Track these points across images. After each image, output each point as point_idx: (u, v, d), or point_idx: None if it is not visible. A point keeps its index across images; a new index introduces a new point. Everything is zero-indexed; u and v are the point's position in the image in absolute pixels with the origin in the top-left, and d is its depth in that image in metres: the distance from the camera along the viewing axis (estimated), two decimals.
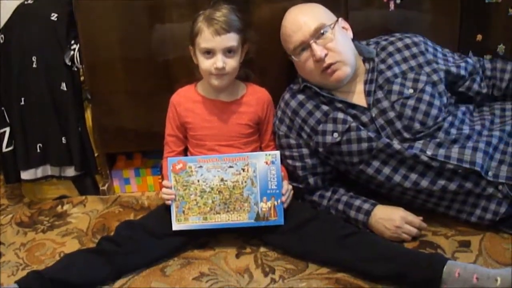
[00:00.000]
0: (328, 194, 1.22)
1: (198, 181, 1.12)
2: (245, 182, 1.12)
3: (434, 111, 1.09)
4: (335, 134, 1.13)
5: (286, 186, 1.14)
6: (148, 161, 1.57)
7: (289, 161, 1.23)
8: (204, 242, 1.18)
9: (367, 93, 1.13)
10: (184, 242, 1.15)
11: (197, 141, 1.23)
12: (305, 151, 1.21)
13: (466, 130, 1.09)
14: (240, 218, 1.12)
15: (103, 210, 1.36)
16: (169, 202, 1.12)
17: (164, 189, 1.14)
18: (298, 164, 1.22)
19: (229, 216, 1.13)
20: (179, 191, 1.13)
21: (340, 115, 1.13)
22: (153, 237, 1.11)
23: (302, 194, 1.24)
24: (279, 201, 1.12)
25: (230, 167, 1.12)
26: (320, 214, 1.13)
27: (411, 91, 1.10)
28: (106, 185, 1.46)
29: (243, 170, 1.12)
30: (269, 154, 1.12)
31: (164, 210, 1.16)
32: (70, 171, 1.38)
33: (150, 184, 1.52)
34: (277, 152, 1.12)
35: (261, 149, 1.29)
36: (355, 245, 1.02)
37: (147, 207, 1.37)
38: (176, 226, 1.13)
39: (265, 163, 1.12)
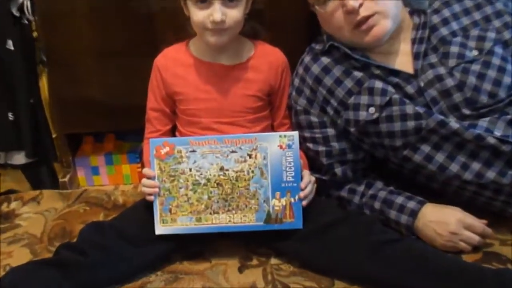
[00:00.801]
0: (361, 188, 1.24)
1: (190, 170, 1.13)
2: (253, 172, 1.13)
3: (506, 79, 1.07)
4: (371, 109, 1.15)
5: (307, 178, 1.14)
6: (123, 144, 1.61)
7: (310, 145, 1.26)
8: (197, 251, 1.19)
9: (415, 56, 1.13)
10: (170, 250, 1.16)
11: (189, 117, 1.25)
12: (331, 131, 1.23)
13: None
14: (245, 219, 1.14)
15: (63, 209, 1.37)
16: (151, 197, 1.13)
17: (144, 181, 1.14)
18: (322, 148, 1.24)
19: (230, 217, 1.14)
20: (165, 183, 1.13)
21: (378, 84, 1.14)
22: (130, 244, 1.11)
23: (327, 188, 1.26)
24: (296, 197, 1.12)
25: (233, 152, 1.12)
26: (350, 215, 1.14)
27: (475, 53, 1.09)
28: (68, 176, 1.47)
29: (250, 156, 1.12)
30: (285, 135, 1.12)
31: (144, 209, 1.17)
32: (19, 158, 1.38)
33: (126, 175, 1.55)
34: (295, 133, 1.12)
35: (273, 128, 1.31)
36: (396, 257, 1.02)
37: (121, 205, 1.39)
38: (160, 230, 1.13)
39: (278, 147, 1.12)
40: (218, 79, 1.22)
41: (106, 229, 1.12)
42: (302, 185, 1.12)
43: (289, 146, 1.12)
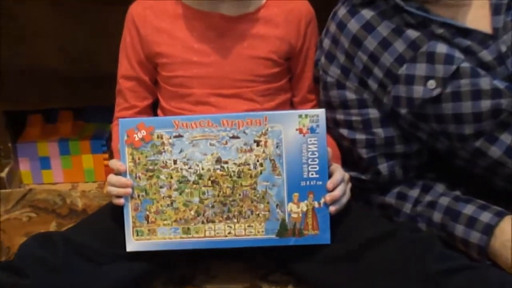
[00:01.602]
0: (414, 193, 1.25)
1: (175, 162, 1.14)
2: (261, 165, 1.14)
3: None
4: (431, 83, 1.16)
5: (338, 175, 1.15)
6: (84, 126, 1.63)
7: (344, 131, 1.28)
8: (185, 275, 1.21)
9: (495, 9, 1.14)
10: (148, 273, 1.18)
11: (177, 88, 1.28)
12: (373, 113, 1.25)
13: None
14: (251, 231, 1.15)
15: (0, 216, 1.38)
16: (121, 201, 1.15)
17: (112, 178, 1.16)
18: (360, 136, 1.26)
19: (230, 228, 1.16)
20: (140, 180, 1.15)
21: (441, 48, 1.14)
22: (91, 263, 1.13)
23: (366, 191, 1.28)
24: (322, 201, 1.14)
25: (234, 137, 1.14)
26: (398, 230, 1.13)
27: None
28: (6, 169, 1.51)
29: (258, 143, 1.14)
30: (306, 115, 1.13)
31: (111, 216, 1.19)
32: None
33: (87, 169, 1.58)
34: (321, 111, 1.13)
35: (293, 106, 1.34)
36: None
37: (81, 211, 1.42)
38: (133, 245, 1.15)
39: (297, 131, 1.13)
40: (217, 36, 1.24)
41: (58, 243, 1.13)
42: (330, 184, 1.13)
43: (312, 130, 1.13)
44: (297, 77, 1.33)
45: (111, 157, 1.31)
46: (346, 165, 1.25)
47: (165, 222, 1.15)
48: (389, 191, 1.28)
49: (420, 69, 1.16)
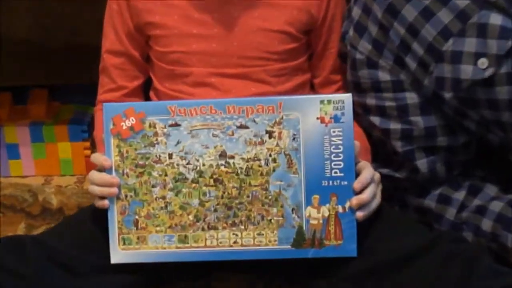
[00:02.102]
0: (460, 195, 1.26)
1: (171, 156, 1.16)
2: (274, 161, 1.15)
3: None
4: (482, 61, 1.16)
5: (366, 174, 1.16)
6: (61, 108, 1.66)
7: (376, 120, 1.29)
8: None
9: None
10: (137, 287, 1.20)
11: (172, 66, 1.29)
12: (411, 98, 1.26)
13: None
14: (262, 240, 1.16)
15: None
16: (105, 202, 1.16)
17: (94, 174, 1.17)
18: (395, 126, 1.27)
19: (236, 236, 1.17)
20: (128, 178, 1.16)
21: (495, 20, 1.15)
22: (68, 273, 1.15)
23: (401, 193, 1.29)
24: (347, 205, 1.15)
25: (242, 127, 1.15)
26: (440, 240, 1.15)
27: None
28: None
29: (271, 134, 1.15)
30: (329, 100, 1.14)
31: (93, 219, 1.21)
32: None
33: (64, 160, 1.62)
34: (347, 96, 1.15)
35: (313, 88, 1.35)
36: None
37: (56, 210, 1.44)
38: (118, 255, 1.17)
39: (319, 120, 1.15)
40: (221, 3, 1.24)
41: (29, 248, 1.14)
42: (357, 184, 1.14)
43: (336, 119, 1.14)
44: (319, 54, 1.33)
45: (93, 146, 1.34)
46: (377, 161, 1.26)
47: (157, 228, 1.16)
48: (429, 192, 1.28)
49: (469, 44, 1.17)
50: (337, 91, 1.35)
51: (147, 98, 1.37)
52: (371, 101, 1.29)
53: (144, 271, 1.18)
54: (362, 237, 1.16)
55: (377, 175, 1.19)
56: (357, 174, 1.15)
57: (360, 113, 1.27)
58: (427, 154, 1.28)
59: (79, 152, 1.61)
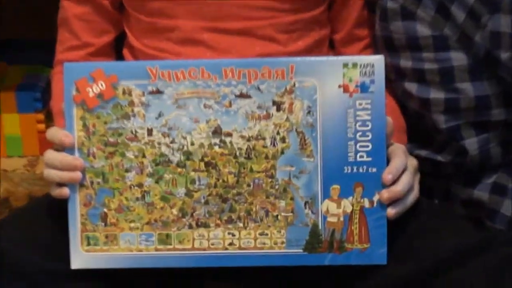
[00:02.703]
0: None
1: (150, 132, 1.13)
2: (284, 140, 1.12)
3: None
4: None
5: (400, 160, 1.13)
6: (8, 70, 1.61)
7: (413, 87, 1.28)
8: None
9: None
10: None
11: (153, 18, 1.27)
12: (458, 58, 1.24)
13: None
14: (266, 242, 1.14)
15: None
16: (65, 191, 1.13)
17: (51, 155, 1.14)
18: (437, 95, 1.26)
19: (233, 236, 1.14)
20: (95, 160, 1.14)
21: None
22: (18, 281, 1.13)
23: (444, 181, 1.27)
24: (376, 198, 1.12)
25: (242, 96, 1.12)
26: (494, 241, 1.13)
27: None
28: None
29: (279, 106, 1.12)
30: (355, 63, 1.11)
31: (49, 212, 1.19)
32: None
33: (11, 137, 1.53)
34: (378, 58, 1.12)
35: (333, 48, 1.35)
36: None
37: (1, 200, 1.39)
38: (80, 259, 1.15)
39: (341, 90, 1.11)
40: None
41: None
42: (389, 173, 1.11)
43: (363, 88, 1.11)
44: (340, 3, 1.31)
45: (48, 119, 1.29)
46: (413, 141, 1.24)
47: (132, 224, 1.14)
48: (480, 181, 1.26)
49: None
50: (363, 50, 1.34)
51: (120, 59, 1.35)
52: (406, 62, 1.27)
53: (113, 278, 1.16)
54: (394, 240, 1.14)
55: (414, 161, 1.17)
56: (389, 160, 1.13)
57: (392, 79, 1.23)
58: (478, 131, 1.27)
59: (31, 127, 1.57)
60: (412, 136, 1.28)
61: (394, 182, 1.12)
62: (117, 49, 1.38)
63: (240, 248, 1.14)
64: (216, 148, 1.13)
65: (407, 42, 1.26)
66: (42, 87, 1.59)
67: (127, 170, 1.14)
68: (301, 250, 1.13)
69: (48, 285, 1.15)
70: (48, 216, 1.19)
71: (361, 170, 1.12)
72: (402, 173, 1.13)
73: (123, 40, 1.35)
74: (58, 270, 1.15)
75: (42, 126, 1.56)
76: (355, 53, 1.35)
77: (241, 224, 1.14)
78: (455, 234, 1.16)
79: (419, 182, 1.18)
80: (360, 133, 1.12)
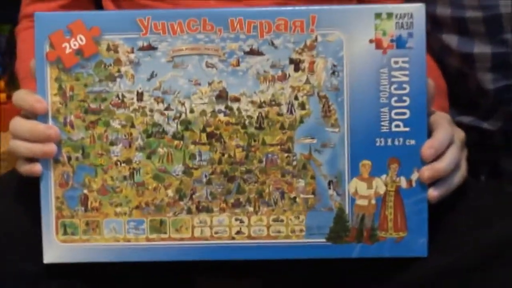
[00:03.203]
0: None
1: (141, 97, 1.11)
2: (303, 107, 1.11)
3: None
4: None
5: (445, 131, 1.12)
6: None
7: (452, 39, 1.31)
8: None
9: None
10: None
11: None
12: (506, 3, 1.25)
13: None
14: (281, 230, 1.13)
15: None
16: (36, 168, 1.11)
17: (20, 123, 1.13)
18: (482, 49, 1.28)
19: (242, 223, 1.13)
20: (73, 130, 1.12)
21: None
22: None
23: (492, 154, 1.30)
24: (414, 177, 1.10)
25: (252, 52, 1.10)
26: None
27: None
28: None
29: (298, 65, 1.10)
30: (390, 14, 1.10)
31: (15, 193, 1.19)
32: None
33: None
34: (418, 7, 1.10)
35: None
36: None
37: None
38: (55, 251, 1.13)
39: (373, 45, 1.09)
40: None
41: None
42: (430, 148, 1.09)
43: (400, 43, 1.09)
44: None
45: (11, 87, 1.33)
46: (454, 106, 1.26)
47: (118, 209, 1.12)
48: None
49: None
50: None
51: (99, 8, 1.37)
52: (443, 10, 1.29)
53: (95, 275, 1.16)
54: (436, 227, 1.13)
55: (461, 134, 1.15)
56: (430, 131, 1.11)
57: (428, 30, 1.17)
58: None
59: None
60: (452, 100, 1.27)
61: (437, 158, 1.10)
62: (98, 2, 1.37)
63: (250, 237, 1.12)
64: (221, 116, 1.11)
65: None
66: (3, 48, 1.63)
67: (112, 143, 1.11)
68: (324, 240, 1.12)
69: (25, 282, 1.15)
70: (14, 199, 1.18)
71: (396, 143, 1.10)
72: (447, 147, 1.11)
73: None
74: (27, 269, 1.15)
75: (2, 96, 1.57)
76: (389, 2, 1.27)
77: (251, 209, 1.12)
78: (506, 217, 1.15)
79: (468, 158, 1.17)
80: (395, 98, 1.10)
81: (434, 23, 1.30)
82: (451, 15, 1.29)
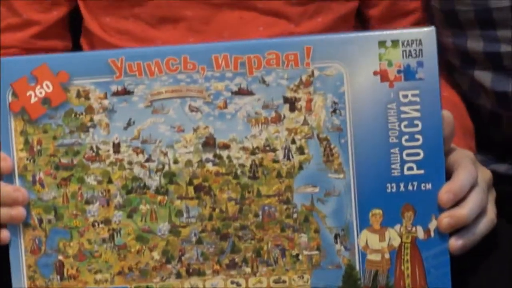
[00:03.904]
0: None
1: (117, 149, 1.08)
2: (302, 151, 1.07)
3: None
4: None
5: (466, 171, 1.06)
6: None
7: (485, 77, 1.26)
8: None
9: None
10: None
11: None
12: None
13: None
14: None
15: None
16: (5, 235, 1.08)
17: None
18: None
19: (238, 287, 1.09)
20: (43, 189, 1.09)
21: None
22: None
23: None
24: (433, 226, 1.05)
25: (241, 92, 1.07)
26: None
27: None
28: None
29: (293, 104, 1.06)
30: (396, 41, 1.06)
31: None
32: None
33: None
34: (428, 31, 1.06)
35: (368, 24, 1.34)
36: None
37: None
38: None
39: (378, 77, 1.05)
40: None
41: None
42: (447, 194, 1.04)
43: (408, 73, 1.05)
44: None
45: None
46: (487, 153, 1.26)
47: (98, 276, 1.09)
48: None
49: None
50: (411, 22, 1.31)
51: (77, 46, 1.35)
52: (475, 44, 1.24)
53: None
54: (461, 282, 1.10)
55: (486, 174, 1.10)
56: (450, 172, 1.06)
57: (457, 66, 1.18)
58: None
59: None
60: (485, 146, 1.26)
61: (458, 203, 1.05)
62: (75, 36, 1.37)
63: None
64: (209, 166, 1.07)
65: (477, 16, 1.23)
66: None
67: (88, 202, 1.07)
68: None
69: None
70: None
71: (410, 188, 1.06)
72: (469, 190, 1.05)
73: (79, 21, 1.35)
74: None
75: None
76: (398, 26, 1.32)
77: (248, 269, 1.07)
78: None
79: (496, 203, 1.11)
80: (406, 137, 1.05)
81: (464, 59, 1.27)
82: (483, 50, 1.24)
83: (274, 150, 1.05)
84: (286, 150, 1.05)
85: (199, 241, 1.06)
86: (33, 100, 1.05)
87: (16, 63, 1.08)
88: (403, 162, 1.04)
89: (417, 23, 1.34)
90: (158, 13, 1.26)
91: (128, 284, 1.07)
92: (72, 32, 1.41)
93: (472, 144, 1.24)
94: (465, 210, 1.04)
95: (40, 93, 1.05)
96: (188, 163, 1.05)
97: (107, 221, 1.06)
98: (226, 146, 1.05)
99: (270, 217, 1.05)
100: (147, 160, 1.06)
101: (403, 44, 1.03)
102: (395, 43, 1.04)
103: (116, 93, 1.05)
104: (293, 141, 1.04)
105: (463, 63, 1.28)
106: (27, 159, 1.06)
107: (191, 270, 1.06)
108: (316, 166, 1.04)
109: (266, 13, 1.25)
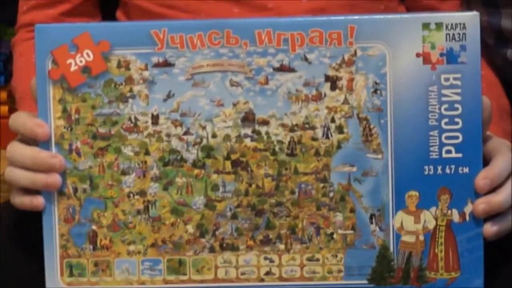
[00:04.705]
0: None
1: (156, 120, 1.09)
2: (341, 130, 1.07)
3: None
4: None
5: (504, 159, 1.07)
6: None
7: None
8: None
9: None
10: None
11: None
12: None
13: None
14: (317, 270, 1.09)
15: None
16: (38, 201, 1.08)
17: (18, 150, 1.09)
18: None
19: (272, 263, 1.10)
20: (80, 158, 1.09)
21: None
22: None
23: None
24: (468, 210, 1.06)
25: (283, 69, 1.06)
26: None
27: None
28: None
29: (334, 82, 1.06)
30: (440, 23, 1.06)
31: (14, 230, 1.18)
32: None
33: None
34: (471, 16, 1.06)
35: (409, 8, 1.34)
36: None
37: None
38: None
39: (420, 59, 1.06)
40: None
41: None
42: (484, 180, 1.04)
43: (451, 57, 1.05)
44: None
45: (12, 105, 1.27)
46: None
47: (131, 247, 1.09)
48: None
49: None
50: (448, 5, 1.31)
51: (111, 19, 1.36)
52: (509, 22, 1.27)
53: None
54: (493, 266, 1.10)
55: None
56: (487, 158, 1.07)
57: (491, 44, 1.21)
58: None
59: None
60: None
61: (494, 189, 1.05)
62: (107, 11, 1.37)
63: (281, 279, 1.09)
64: (247, 141, 1.07)
65: None
66: (5, 54, 1.58)
67: (124, 173, 1.08)
68: (365, 282, 1.08)
69: None
70: (13, 236, 1.17)
71: (447, 171, 1.06)
72: (506, 178, 1.06)
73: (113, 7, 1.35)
74: None
75: (3, 109, 1.54)
76: (437, 10, 1.30)
77: (282, 246, 1.08)
78: None
79: None
80: (446, 120, 1.06)
81: (498, 37, 1.28)
82: None
83: (313, 128, 1.05)
84: (325, 129, 1.05)
85: (234, 216, 1.06)
86: (73, 68, 1.05)
87: (57, 30, 1.08)
88: (441, 145, 1.04)
89: (458, 6, 1.34)
90: None
91: (161, 257, 1.07)
92: (106, 7, 1.41)
93: (509, 126, 1.25)
94: (501, 197, 1.04)
95: (81, 61, 1.05)
96: (226, 137, 1.06)
97: (142, 193, 1.07)
98: (265, 122, 1.06)
99: (306, 194, 1.05)
100: (185, 133, 1.06)
101: (447, 27, 1.04)
102: (439, 25, 1.04)
103: (157, 65, 1.05)
104: (333, 120, 1.05)
105: (497, 42, 1.29)
106: (65, 127, 1.06)
107: (224, 245, 1.07)
108: (354, 145, 1.05)
109: None
